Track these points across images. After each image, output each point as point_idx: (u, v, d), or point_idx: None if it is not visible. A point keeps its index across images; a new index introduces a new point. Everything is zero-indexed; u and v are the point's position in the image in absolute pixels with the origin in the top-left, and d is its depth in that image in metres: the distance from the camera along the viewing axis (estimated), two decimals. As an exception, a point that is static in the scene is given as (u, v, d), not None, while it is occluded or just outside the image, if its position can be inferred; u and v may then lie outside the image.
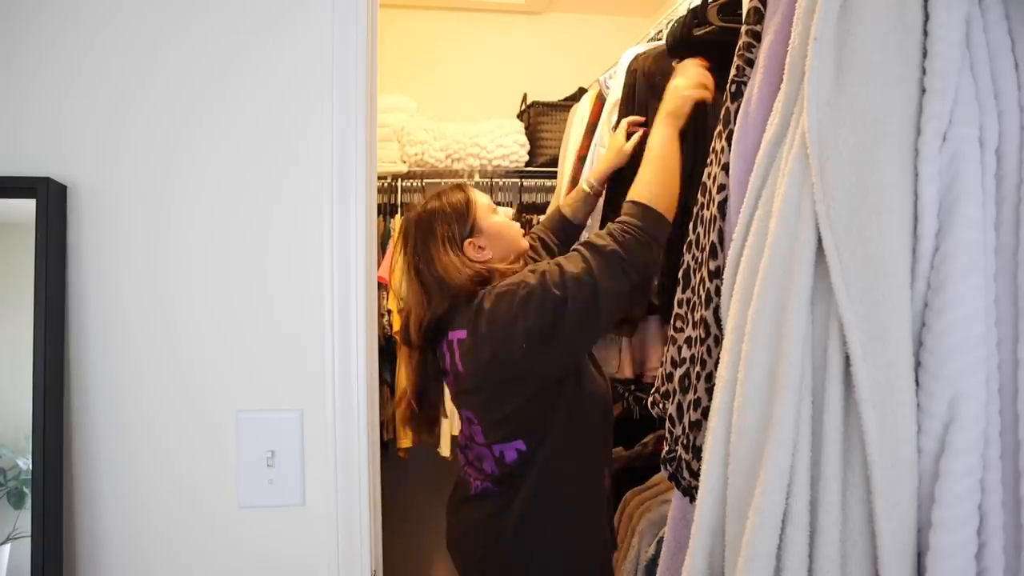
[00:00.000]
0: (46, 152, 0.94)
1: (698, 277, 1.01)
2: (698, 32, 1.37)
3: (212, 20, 0.96)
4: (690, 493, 1.02)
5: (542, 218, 1.95)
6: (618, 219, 1.39)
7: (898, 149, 0.69)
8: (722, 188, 0.96)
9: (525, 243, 1.55)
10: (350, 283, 0.98)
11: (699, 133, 1.48)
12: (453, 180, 2.80)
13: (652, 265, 1.39)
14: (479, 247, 1.46)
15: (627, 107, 1.73)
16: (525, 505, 1.41)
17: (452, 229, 1.44)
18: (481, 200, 1.50)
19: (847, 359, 0.70)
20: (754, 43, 0.94)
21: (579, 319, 1.30)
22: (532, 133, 2.80)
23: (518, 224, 1.55)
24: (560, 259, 1.37)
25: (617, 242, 1.34)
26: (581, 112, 2.25)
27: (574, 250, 1.39)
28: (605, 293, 1.30)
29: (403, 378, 1.74)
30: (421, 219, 1.48)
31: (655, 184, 1.40)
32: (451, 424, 2.66)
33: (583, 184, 1.77)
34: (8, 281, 0.94)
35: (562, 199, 1.94)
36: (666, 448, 1.07)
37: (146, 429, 0.97)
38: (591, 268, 1.31)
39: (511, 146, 2.76)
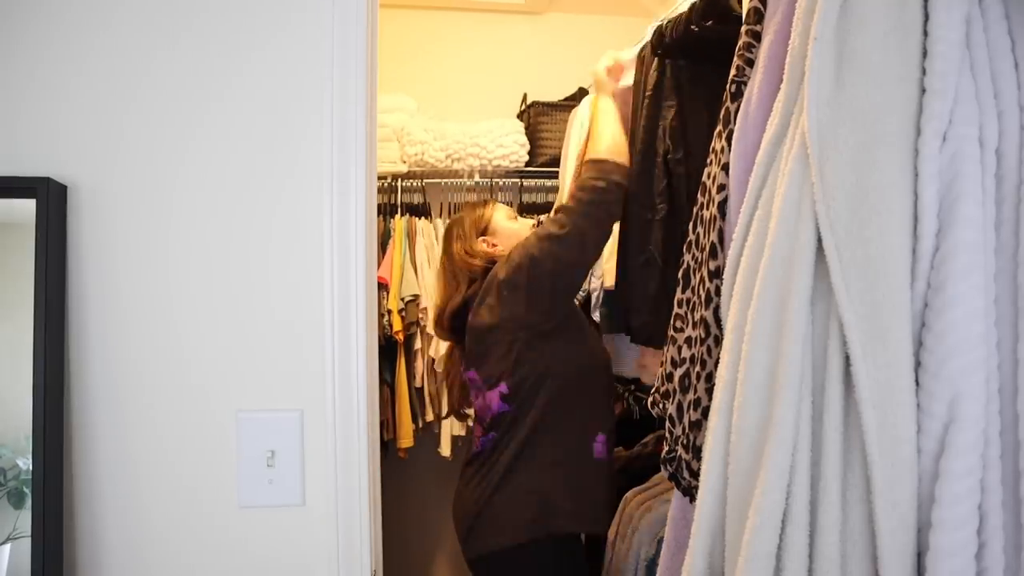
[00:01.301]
0: (46, 152, 0.94)
1: (698, 277, 1.01)
2: (698, 26, 1.37)
3: (212, 20, 0.96)
4: (690, 493, 1.02)
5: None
6: (581, 180, 1.62)
7: (898, 149, 0.69)
8: (722, 188, 0.96)
9: None
10: (350, 283, 0.97)
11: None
12: (453, 180, 2.81)
13: (608, 212, 1.61)
14: (492, 244, 1.74)
15: (637, 93, 1.73)
16: (512, 454, 1.58)
17: (466, 229, 1.75)
18: (500, 209, 1.81)
19: (847, 359, 0.70)
20: (754, 43, 0.94)
21: (541, 275, 1.57)
22: (532, 133, 2.80)
23: (530, 229, 1.79)
24: (530, 235, 1.64)
25: (585, 203, 1.59)
26: (581, 115, 2.25)
27: (554, 213, 1.67)
28: (561, 252, 1.57)
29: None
30: (448, 228, 1.81)
31: (606, 141, 1.64)
32: (451, 424, 2.66)
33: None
34: (8, 281, 0.94)
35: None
36: (666, 448, 1.07)
37: (146, 429, 0.97)
38: (557, 233, 1.58)
39: (511, 146, 2.75)
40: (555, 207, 1.98)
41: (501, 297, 1.59)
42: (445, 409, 2.56)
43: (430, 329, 1.91)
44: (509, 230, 1.76)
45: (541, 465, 1.58)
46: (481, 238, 1.74)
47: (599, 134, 1.67)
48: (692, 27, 1.37)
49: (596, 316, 2.06)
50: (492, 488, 1.59)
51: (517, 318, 1.58)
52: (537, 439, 1.58)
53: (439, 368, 2.48)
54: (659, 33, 1.52)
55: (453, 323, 1.71)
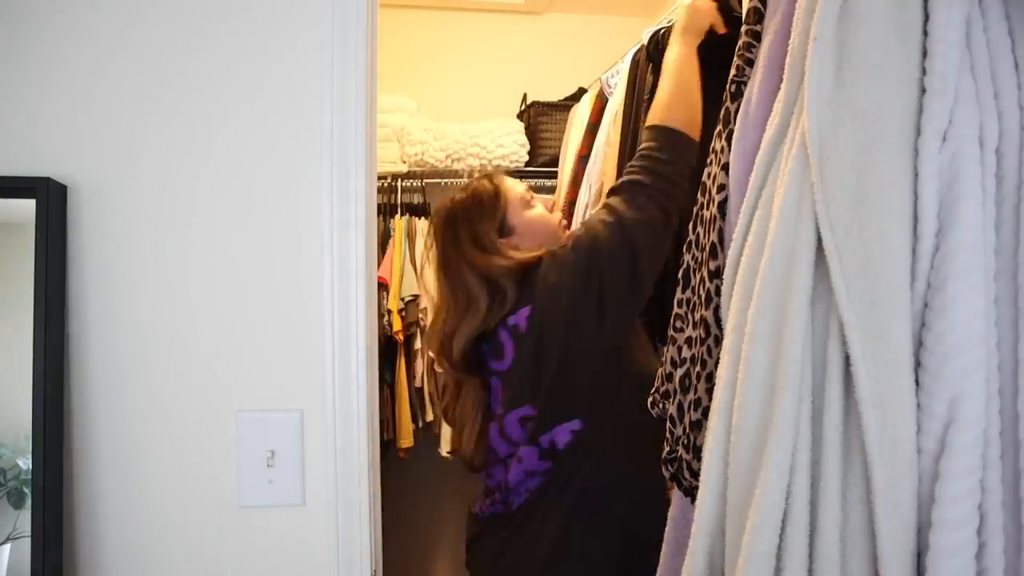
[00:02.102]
0: (46, 152, 0.94)
1: (698, 277, 1.01)
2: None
3: (212, 21, 0.96)
4: (692, 494, 1.02)
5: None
6: (640, 150, 1.29)
7: (898, 149, 0.69)
8: (722, 188, 0.96)
9: (563, 235, 1.40)
10: (350, 283, 0.98)
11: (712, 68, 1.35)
12: (453, 180, 2.81)
13: (679, 190, 1.24)
14: (513, 246, 1.34)
15: (631, 95, 1.73)
16: (574, 501, 1.25)
17: (478, 230, 1.33)
18: (513, 194, 1.38)
19: (847, 359, 0.70)
20: (754, 43, 0.94)
21: (617, 274, 1.22)
22: (532, 133, 2.80)
23: (556, 215, 1.46)
24: (590, 219, 1.29)
25: (641, 180, 1.25)
26: (581, 113, 2.25)
27: (604, 204, 1.30)
28: (639, 241, 1.22)
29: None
30: (448, 218, 1.37)
31: (673, 104, 1.27)
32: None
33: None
34: (8, 281, 0.94)
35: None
36: (667, 449, 1.07)
37: (146, 429, 0.97)
38: (619, 217, 1.23)
39: (511, 146, 2.76)
40: (612, 188, 1.38)
41: (572, 307, 1.23)
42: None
43: (434, 355, 1.44)
44: (527, 225, 1.37)
45: (604, 527, 1.27)
46: (501, 240, 1.34)
47: (662, 92, 1.29)
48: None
49: None
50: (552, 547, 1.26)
51: (593, 332, 1.23)
52: (605, 487, 1.27)
53: (439, 368, 2.36)
54: (655, 39, 1.53)
55: (468, 355, 1.32)
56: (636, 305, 1.28)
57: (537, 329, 1.25)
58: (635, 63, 1.68)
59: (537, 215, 1.40)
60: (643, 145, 1.29)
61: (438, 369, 2.51)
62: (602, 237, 1.23)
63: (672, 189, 1.24)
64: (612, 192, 1.30)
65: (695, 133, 1.27)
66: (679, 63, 1.29)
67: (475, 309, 1.29)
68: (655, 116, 1.29)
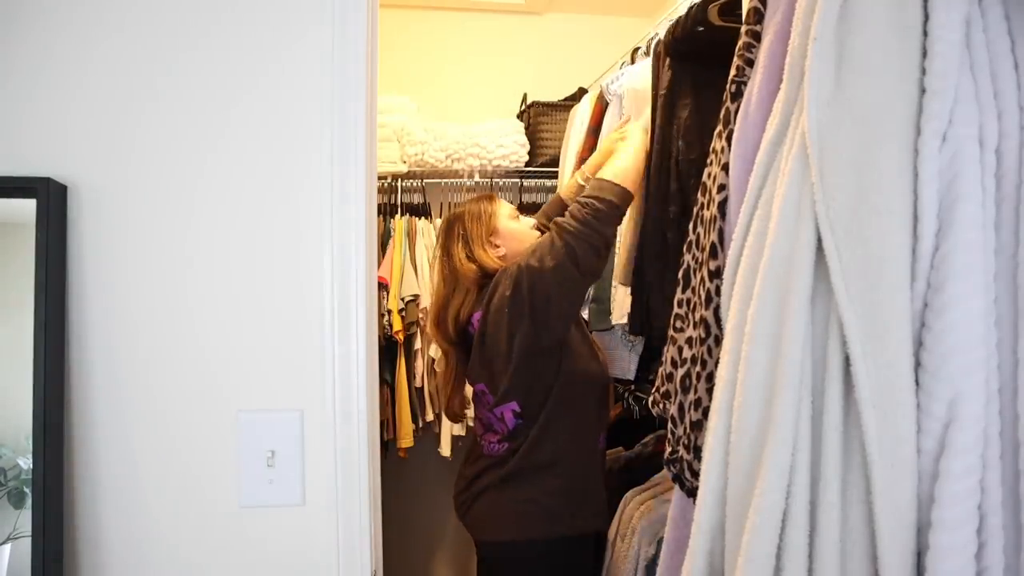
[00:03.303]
0: (46, 152, 0.94)
1: (698, 277, 1.01)
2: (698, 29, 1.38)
3: (215, 24, 0.96)
4: (694, 494, 1.02)
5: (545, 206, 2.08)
6: (589, 196, 1.59)
7: (898, 149, 0.70)
8: (722, 188, 0.96)
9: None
10: (350, 283, 0.98)
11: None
12: (453, 180, 2.81)
13: (610, 234, 1.61)
14: (495, 245, 1.73)
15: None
16: (523, 457, 1.64)
17: (469, 230, 1.72)
18: (502, 207, 1.77)
19: (847, 359, 0.70)
20: (754, 43, 0.94)
21: (542, 298, 1.56)
22: (532, 133, 2.80)
23: (536, 232, 1.80)
24: (538, 246, 1.60)
25: (578, 222, 1.56)
26: (581, 114, 2.25)
27: (549, 228, 1.63)
28: (558, 275, 1.54)
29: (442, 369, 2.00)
30: (448, 223, 1.77)
31: (630, 172, 1.62)
32: (451, 424, 2.66)
33: (578, 177, 1.92)
34: (8, 281, 0.94)
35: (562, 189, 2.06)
36: (669, 449, 1.07)
37: (146, 429, 0.97)
38: (552, 252, 1.55)
39: (511, 146, 2.76)
40: (554, 205, 1.95)
41: (508, 317, 1.58)
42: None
43: (429, 329, 1.92)
44: (511, 231, 1.74)
45: (551, 471, 1.64)
46: (488, 238, 1.72)
47: (617, 156, 1.66)
48: (699, 28, 1.37)
49: (585, 313, 2.05)
50: (506, 487, 1.66)
51: (525, 337, 1.58)
52: (546, 447, 1.64)
53: (439, 368, 2.47)
54: (670, 34, 1.52)
55: (457, 332, 1.72)
56: (546, 327, 1.60)
57: (482, 330, 1.64)
58: (657, 55, 1.66)
59: (518, 226, 1.77)
60: (593, 195, 1.58)
61: (437, 368, 2.52)
62: (533, 278, 1.56)
63: (595, 239, 1.56)
64: (555, 225, 1.61)
65: (636, 192, 1.65)
66: (644, 149, 1.66)
67: (457, 295, 1.71)
68: (611, 173, 1.61)
